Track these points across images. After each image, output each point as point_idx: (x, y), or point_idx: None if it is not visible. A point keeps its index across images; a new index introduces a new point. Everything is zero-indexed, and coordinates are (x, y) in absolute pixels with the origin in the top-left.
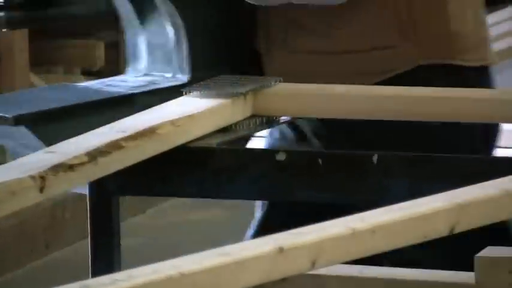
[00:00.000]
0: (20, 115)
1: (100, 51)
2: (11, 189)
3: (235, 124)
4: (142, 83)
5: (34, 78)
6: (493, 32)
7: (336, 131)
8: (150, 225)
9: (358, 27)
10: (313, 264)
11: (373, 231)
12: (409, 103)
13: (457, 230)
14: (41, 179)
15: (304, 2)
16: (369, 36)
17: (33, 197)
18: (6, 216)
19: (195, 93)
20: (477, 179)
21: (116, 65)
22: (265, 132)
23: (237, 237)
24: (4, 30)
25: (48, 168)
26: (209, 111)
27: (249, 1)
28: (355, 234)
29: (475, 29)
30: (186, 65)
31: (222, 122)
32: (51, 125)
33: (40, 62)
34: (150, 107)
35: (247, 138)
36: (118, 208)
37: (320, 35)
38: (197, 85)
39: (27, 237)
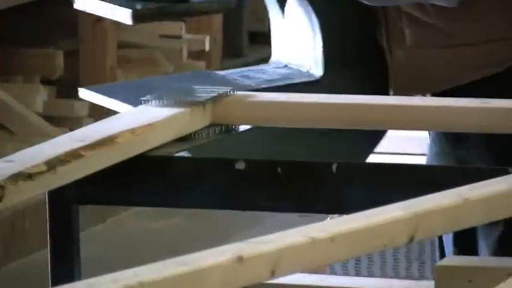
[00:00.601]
0: None
1: (59, 60)
2: None
3: (195, 133)
4: (277, 76)
5: None
6: None
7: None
8: (110, 234)
9: (477, 20)
10: (273, 273)
11: (332, 239)
12: (359, 111)
13: (417, 239)
14: (0, 189)
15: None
16: (487, 28)
17: None
18: None
19: (154, 102)
20: (436, 187)
21: (75, 73)
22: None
23: (198, 246)
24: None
25: (7, 178)
26: (168, 120)
27: (374, 3)
28: (314, 243)
29: None
30: (320, 61)
31: (181, 131)
32: None
33: None
34: None
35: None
36: (78, 217)
37: (439, 29)
38: (156, 94)
39: None
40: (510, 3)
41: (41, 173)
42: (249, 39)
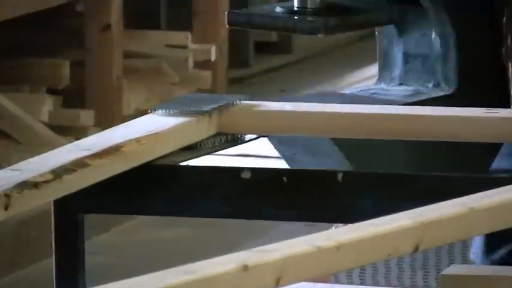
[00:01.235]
0: None
1: (65, 70)
2: None
3: (200, 142)
4: (407, 92)
5: (2, 99)
6: None
7: None
8: (115, 243)
9: None
10: (278, 282)
11: (337, 248)
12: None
13: (422, 248)
14: (6, 197)
15: None
16: None
17: None
18: None
19: (160, 111)
20: (442, 197)
21: (81, 83)
22: None
23: (203, 255)
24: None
25: (13, 186)
26: (174, 130)
27: None
28: (320, 252)
29: None
30: (452, 75)
31: (187, 140)
32: None
33: (7, 81)
34: None
35: None
36: (83, 226)
37: None
38: (162, 103)
39: None
40: None
41: (47, 181)
42: (255, 49)
